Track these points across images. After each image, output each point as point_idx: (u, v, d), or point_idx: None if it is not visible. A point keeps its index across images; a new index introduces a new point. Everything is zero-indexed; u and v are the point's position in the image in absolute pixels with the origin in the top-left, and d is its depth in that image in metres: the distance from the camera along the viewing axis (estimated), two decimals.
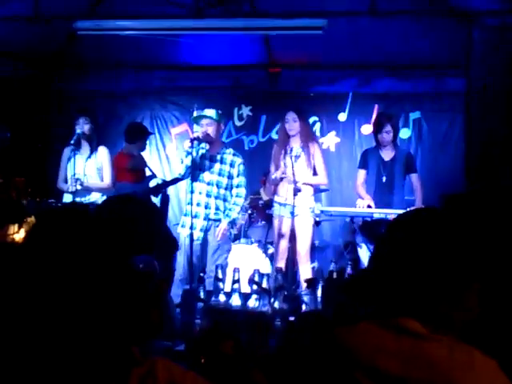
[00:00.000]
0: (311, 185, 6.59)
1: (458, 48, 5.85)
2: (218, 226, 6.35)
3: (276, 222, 6.74)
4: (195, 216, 6.24)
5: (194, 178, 6.28)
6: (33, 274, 1.33)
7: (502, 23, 5.05)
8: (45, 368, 1.28)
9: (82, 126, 6.71)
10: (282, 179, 6.58)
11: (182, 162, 6.32)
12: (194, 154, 6.19)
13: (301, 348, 1.71)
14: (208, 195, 6.34)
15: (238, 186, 6.43)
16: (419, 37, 6.65)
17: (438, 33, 6.41)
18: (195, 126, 6.47)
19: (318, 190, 6.94)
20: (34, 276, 1.32)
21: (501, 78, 5.16)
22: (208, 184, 6.34)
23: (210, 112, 6.34)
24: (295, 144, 6.56)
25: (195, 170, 6.26)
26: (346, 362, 1.55)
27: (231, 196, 6.43)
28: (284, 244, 6.64)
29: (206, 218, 6.32)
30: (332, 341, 1.63)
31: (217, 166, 6.36)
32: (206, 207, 6.32)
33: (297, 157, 6.46)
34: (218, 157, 6.38)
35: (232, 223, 6.52)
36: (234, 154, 6.46)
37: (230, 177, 6.39)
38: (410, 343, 1.52)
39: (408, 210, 6.10)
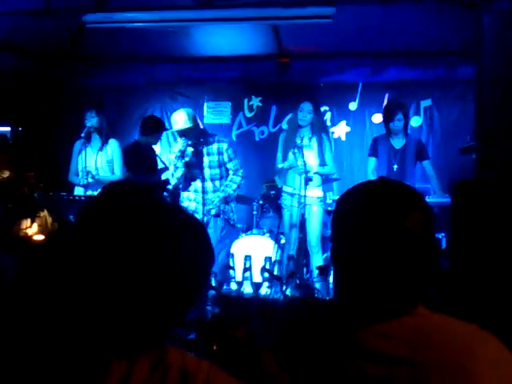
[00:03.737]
0: (319, 175, 6.59)
1: (469, 34, 5.80)
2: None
3: (286, 213, 6.75)
4: (194, 212, 6.25)
5: (188, 185, 6.36)
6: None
7: (511, 6, 5.00)
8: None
9: (91, 120, 6.73)
10: (288, 169, 6.59)
11: (176, 170, 6.32)
12: (180, 165, 6.23)
13: (301, 334, 1.69)
14: (205, 192, 6.35)
15: (235, 170, 6.44)
16: (430, 24, 6.60)
17: (449, 19, 6.35)
18: (175, 144, 6.45)
19: (326, 180, 6.93)
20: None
21: None
22: (202, 181, 6.35)
23: (182, 118, 6.29)
24: (305, 134, 6.54)
25: (187, 180, 6.35)
26: (349, 348, 1.54)
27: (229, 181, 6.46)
28: (294, 234, 6.65)
29: (207, 214, 6.33)
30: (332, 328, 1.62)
31: (205, 159, 6.34)
32: (205, 204, 6.33)
33: (307, 147, 6.44)
34: (204, 150, 6.35)
35: (224, 203, 6.49)
36: (218, 141, 6.45)
37: (222, 165, 6.37)
38: (414, 323, 1.50)
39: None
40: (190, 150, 6.28)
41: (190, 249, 1.40)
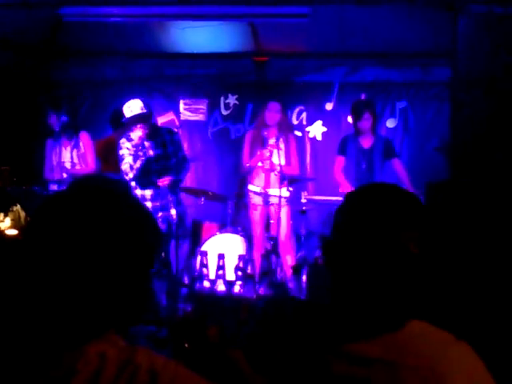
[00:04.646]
0: (284, 174, 6.58)
1: (445, 37, 5.85)
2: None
3: (252, 211, 6.76)
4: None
5: (145, 181, 6.30)
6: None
7: (488, 11, 5.05)
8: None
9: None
10: (255, 168, 6.61)
11: (132, 168, 6.22)
12: (141, 154, 6.17)
13: (275, 332, 1.70)
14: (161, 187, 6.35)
15: (183, 158, 6.45)
16: (406, 25, 6.65)
17: (425, 21, 6.41)
18: (133, 128, 6.28)
19: (293, 180, 6.94)
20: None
21: (486, 66, 5.17)
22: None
23: (137, 107, 6.22)
24: (272, 133, 6.56)
25: (145, 175, 6.29)
26: (329, 350, 1.55)
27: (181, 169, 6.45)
28: (263, 233, 6.69)
29: (163, 209, 6.32)
30: (306, 327, 1.63)
31: (159, 150, 6.32)
32: (162, 198, 6.32)
33: (273, 147, 6.46)
34: (159, 144, 6.34)
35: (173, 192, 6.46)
36: (167, 132, 6.48)
37: (174, 155, 6.33)
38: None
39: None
40: (146, 143, 6.23)
41: (139, 239, 1.41)
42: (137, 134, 6.12)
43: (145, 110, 6.13)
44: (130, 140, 6.21)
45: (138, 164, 6.13)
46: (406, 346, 1.47)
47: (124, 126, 6.71)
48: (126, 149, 6.19)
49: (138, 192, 6.24)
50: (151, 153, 6.19)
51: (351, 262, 1.58)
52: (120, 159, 6.24)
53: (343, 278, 1.61)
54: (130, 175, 6.16)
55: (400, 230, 1.56)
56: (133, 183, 6.27)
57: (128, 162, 6.15)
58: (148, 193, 6.27)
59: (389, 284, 1.54)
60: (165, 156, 6.29)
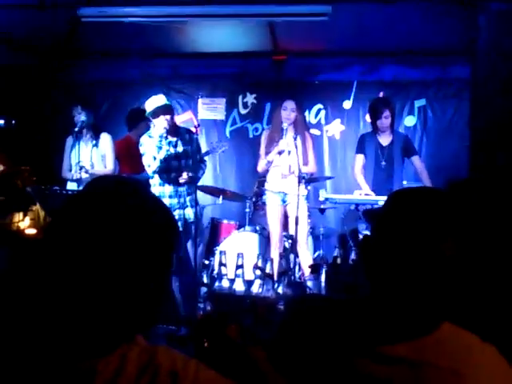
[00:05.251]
0: (301, 173, 6.55)
1: (464, 35, 5.82)
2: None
3: (269, 210, 6.75)
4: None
5: (165, 177, 6.32)
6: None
7: (508, 9, 5.02)
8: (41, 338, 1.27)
9: (78, 115, 6.70)
10: (273, 165, 6.61)
11: (155, 159, 6.23)
12: (165, 143, 6.19)
13: (298, 332, 1.69)
14: (181, 185, 6.35)
15: (201, 159, 6.54)
16: (425, 24, 6.60)
17: (445, 19, 6.36)
18: (156, 120, 6.29)
19: (310, 180, 6.92)
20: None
21: (507, 64, 5.13)
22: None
23: (161, 99, 6.28)
24: (289, 133, 6.54)
25: (165, 171, 6.31)
26: (346, 346, 1.55)
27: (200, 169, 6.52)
28: (280, 231, 6.68)
29: (181, 207, 6.33)
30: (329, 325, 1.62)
31: (179, 149, 6.32)
32: (179, 196, 6.33)
33: (290, 145, 6.45)
34: (179, 142, 6.36)
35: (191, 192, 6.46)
36: (187, 131, 6.51)
37: (193, 154, 6.35)
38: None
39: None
40: (169, 136, 6.28)
41: (159, 237, 1.39)
42: (161, 124, 6.15)
43: (168, 102, 6.22)
44: (150, 136, 6.25)
45: (161, 155, 6.14)
46: (434, 347, 1.47)
47: (142, 123, 6.75)
48: (147, 144, 6.21)
49: (157, 189, 6.25)
50: (172, 150, 6.21)
51: (390, 263, 1.57)
52: (142, 155, 6.27)
53: (380, 279, 1.60)
54: (154, 167, 6.18)
55: (446, 236, 1.55)
56: (153, 179, 6.29)
57: (151, 154, 6.17)
58: (167, 189, 6.28)
59: (428, 288, 1.54)
60: (183, 155, 6.32)
